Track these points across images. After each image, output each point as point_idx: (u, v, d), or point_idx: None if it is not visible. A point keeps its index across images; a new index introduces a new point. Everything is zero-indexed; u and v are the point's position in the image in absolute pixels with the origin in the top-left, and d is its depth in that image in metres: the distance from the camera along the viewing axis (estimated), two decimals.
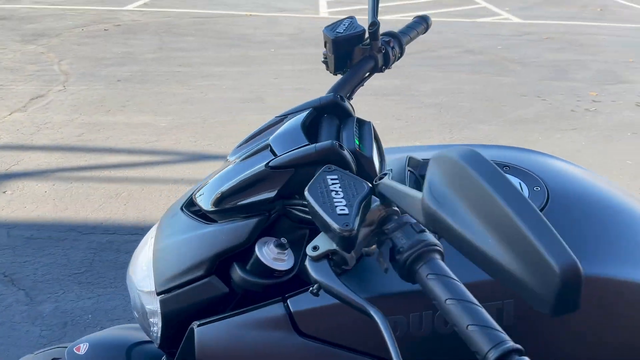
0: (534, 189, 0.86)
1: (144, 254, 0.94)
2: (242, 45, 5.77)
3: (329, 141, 0.76)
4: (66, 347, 1.07)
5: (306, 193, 0.64)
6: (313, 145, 0.77)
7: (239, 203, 0.81)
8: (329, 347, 0.75)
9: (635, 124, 3.89)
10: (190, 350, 0.81)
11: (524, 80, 4.82)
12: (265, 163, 0.80)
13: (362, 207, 0.62)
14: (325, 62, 1.01)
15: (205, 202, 0.85)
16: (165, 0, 7.89)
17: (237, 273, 0.79)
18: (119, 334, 1.13)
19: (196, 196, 0.89)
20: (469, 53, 5.61)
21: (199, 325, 0.79)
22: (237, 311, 0.79)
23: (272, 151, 0.82)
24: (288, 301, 0.77)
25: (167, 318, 0.85)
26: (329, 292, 0.62)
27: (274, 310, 0.77)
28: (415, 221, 0.61)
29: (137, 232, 2.54)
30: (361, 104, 4.03)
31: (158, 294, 0.85)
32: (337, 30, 0.95)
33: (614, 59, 5.56)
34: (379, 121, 3.57)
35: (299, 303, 0.76)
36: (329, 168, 0.67)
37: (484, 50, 5.67)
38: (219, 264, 0.81)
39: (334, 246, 0.63)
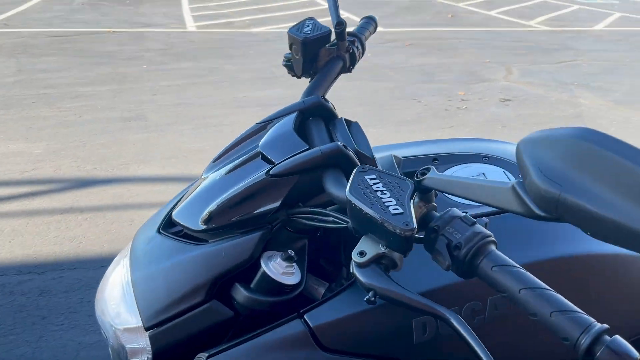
0: (519, 175, 0.89)
1: (112, 288, 0.84)
2: (109, 63, 5.47)
3: (333, 143, 0.73)
4: None
5: (349, 196, 0.60)
6: (318, 148, 0.73)
7: (235, 218, 0.75)
8: (355, 359, 0.72)
9: (503, 118, 4.25)
10: None
11: (398, 84, 5.07)
12: (265, 171, 0.74)
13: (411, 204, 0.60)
14: (288, 66, 0.97)
15: (191, 222, 0.78)
16: (16, 19, 7.27)
17: (242, 293, 0.73)
18: None
19: (176, 217, 0.81)
20: None
21: (208, 357, 0.72)
22: (251, 334, 0.73)
23: (265, 159, 0.77)
24: (305, 316, 0.72)
25: (159, 354, 0.77)
26: (386, 297, 0.59)
27: (293, 327, 0.72)
28: (463, 214, 0.60)
29: (30, 271, 2.29)
30: (247, 115, 3.98)
31: (147, 329, 0.77)
32: (304, 32, 0.92)
33: (472, 60, 6.04)
34: None
35: (317, 317, 0.72)
36: (363, 168, 0.63)
37: None
38: (219, 286, 0.74)
39: (382, 249, 0.60)
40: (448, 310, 0.58)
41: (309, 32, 0.92)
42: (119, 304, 0.82)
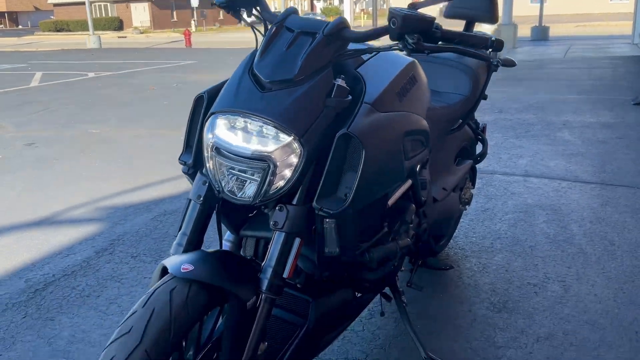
0: None
1: (230, 138, 1.43)
2: None
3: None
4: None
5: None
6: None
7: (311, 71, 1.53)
8: None
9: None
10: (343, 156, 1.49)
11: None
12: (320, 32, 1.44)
13: None
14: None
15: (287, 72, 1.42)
16: None
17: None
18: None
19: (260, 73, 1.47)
20: None
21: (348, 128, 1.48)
22: None
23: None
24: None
25: (310, 154, 1.41)
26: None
27: None
28: None
29: None
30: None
31: (299, 137, 1.38)
32: None
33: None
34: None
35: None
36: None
37: None
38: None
39: None
40: None
41: None
42: (248, 139, 1.41)
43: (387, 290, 2.21)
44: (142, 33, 25.78)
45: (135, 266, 2.97)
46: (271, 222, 1.48)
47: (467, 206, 2.85)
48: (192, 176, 1.67)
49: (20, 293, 2.73)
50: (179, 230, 1.60)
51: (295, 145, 1.42)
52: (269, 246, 1.49)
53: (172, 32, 25.68)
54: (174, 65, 13.48)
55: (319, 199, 1.46)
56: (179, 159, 1.69)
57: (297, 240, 1.49)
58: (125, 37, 24.10)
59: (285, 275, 1.48)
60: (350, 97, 1.51)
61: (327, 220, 1.48)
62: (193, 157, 1.64)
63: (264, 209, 1.53)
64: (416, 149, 1.75)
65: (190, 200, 1.61)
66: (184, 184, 4.27)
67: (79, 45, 20.94)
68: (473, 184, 2.91)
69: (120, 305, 2.58)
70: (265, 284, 1.45)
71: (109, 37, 23.88)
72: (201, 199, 1.58)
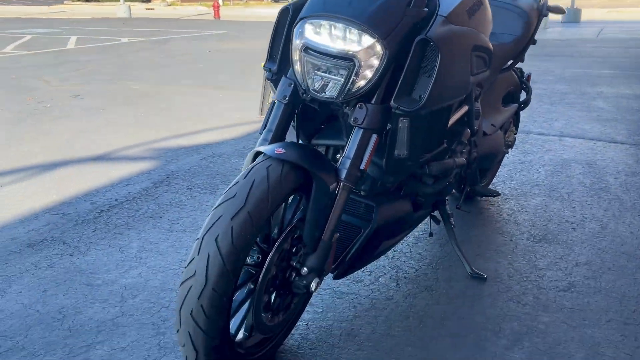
0: None
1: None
2: None
3: None
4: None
5: None
6: None
7: None
8: None
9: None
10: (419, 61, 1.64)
11: None
12: None
13: None
14: None
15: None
16: None
17: None
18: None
19: None
20: None
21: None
22: None
23: None
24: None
25: (391, 58, 1.60)
26: None
27: None
28: None
29: None
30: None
31: (382, 39, 1.54)
32: None
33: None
34: None
35: None
36: None
37: None
38: None
39: None
40: None
41: None
42: (336, 40, 1.57)
43: (436, 214, 2.37)
44: (169, 5, 25.92)
45: (192, 196, 3.16)
46: (351, 119, 1.64)
47: (509, 149, 2.99)
48: (275, 83, 1.84)
49: (88, 212, 2.94)
50: (264, 129, 1.77)
51: (378, 47, 1.57)
52: (348, 142, 1.66)
53: (199, 4, 25.78)
54: (205, 35, 13.65)
55: (396, 99, 1.62)
56: (264, 66, 1.85)
57: (374, 137, 1.65)
58: (153, 9, 24.28)
59: (362, 167, 1.65)
60: (426, 9, 1.66)
61: (402, 119, 1.64)
62: (277, 64, 1.81)
63: (345, 107, 1.69)
64: (480, 66, 1.89)
65: (274, 102, 1.78)
66: (227, 134, 4.45)
67: (108, 15, 21.20)
68: (516, 128, 3.05)
69: (182, 225, 2.78)
70: (344, 174, 1.62)
71: (137, 9, 24.08)
72: (286, 98, 1.74)
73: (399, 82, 1.61)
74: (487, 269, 2.33)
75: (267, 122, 1.77)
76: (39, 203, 3.07)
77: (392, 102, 1.62)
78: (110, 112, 5.25)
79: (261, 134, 1.77)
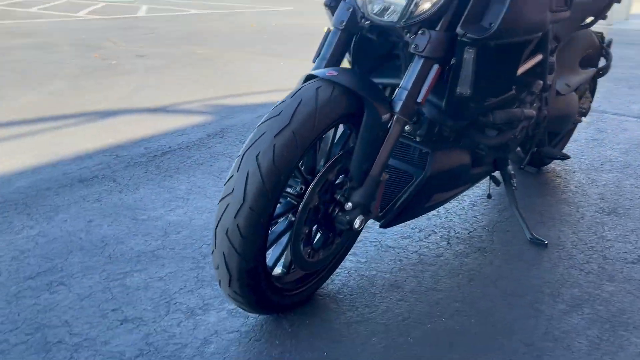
0: None
1: None
2: None
3: None
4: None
5: None
6: None
7: None
8: None
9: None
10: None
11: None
12: None
13: None
14: None
15: None
16: None
17: None
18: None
19: None
20: None
21: None
22: None
23: None
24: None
25: None
26: None
27: None
28: None
29: None
30: None
31: None
32: None
33: (72, 38, 7.00)
34: None
35: None
36: None
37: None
38: None
39: None
40: None
41: None
42: None
43: (497, 175, 2.22)
44: None
45: None
46: (412, 46, 1.52)
47: (583, 118, 2.78)
48: (332, 10, 1.73)
49: (141, 156, 2.94)
50: (317, 57, 1.67)
51: None
52: (407, 71, 1.53)
53: None
54: (272, 10, 13.65)
55: (463, 25, 1.48)
56: None
57: (435, 67, 1.52)
58: None
59: (418, 99, 1.52)
60: None
61: (468, 49, 1.50)
62: None
63: (406, 34, 1.56)
64: (559, 3, 1.72)
65: (329, 30, 1.67)
66: (282, 96, 4.37)
67: None
68: (592, 95, 2.83)
69: None
70: (398, 106, 1.50)
71: None
72: (343, 24, 1.63)
73: (468, 7, 1.47)
74: (548, 236, 2.16)
75: (321, 50, 1.66)
76: (95, 145, 3.09)
77: (458, 29, 1.48)
78: (173, 72, 5.28)
79: (314, 62, 1.67)
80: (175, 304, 1.69)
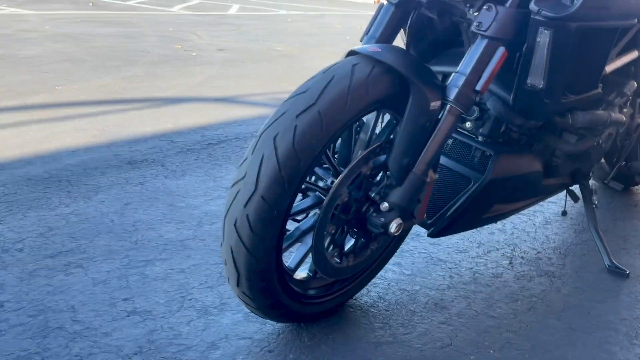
0: None
1: None
2: None
3: None
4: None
5: None
6: None
7: None
8: None
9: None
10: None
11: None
12: None
13: None
14: None
15: None
16: None
17: None
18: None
19: None
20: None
21: None
22: None
23: None
24: None
25: None
26: None
27: None
28: None
29: None
30: None
31: None
32: None
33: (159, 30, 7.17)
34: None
35: None
36: None
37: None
38: None
39: None
40: None
41: None
42: None
43: (575, 189, 1.92)
44: None
45: None
46: (474, 24, 1.29)
47: None
48: None
49: (195, 143, 2.85)
50: (365, 35, 1.47)
51: None
52: (467, 52, 1.30)
53: None
54: (360, 14, 13.50)
55: (538, 0, 1.23)
56: None
57: (501, 50, 1.28)
58: None
59: (478, 87, 1.28)
60: None
61: (543, 29, 1.25)
62: None
63: (469, 10, 1.33)
64: None
65: (381, 4, 1.47)
66: None
67: None
68: None
69: None
70: (453, 93, 1.27)
71: None
72: None
73: None
74: (632, 265, 1.84)
75: (370, 28, 1.46)
76: (153, 129, 3.04)
77: (532, 5, 1.24)
78: (248, 66, 5.23)
79: (361, 41, 1.47)
80: (190, 299, 1.54)
